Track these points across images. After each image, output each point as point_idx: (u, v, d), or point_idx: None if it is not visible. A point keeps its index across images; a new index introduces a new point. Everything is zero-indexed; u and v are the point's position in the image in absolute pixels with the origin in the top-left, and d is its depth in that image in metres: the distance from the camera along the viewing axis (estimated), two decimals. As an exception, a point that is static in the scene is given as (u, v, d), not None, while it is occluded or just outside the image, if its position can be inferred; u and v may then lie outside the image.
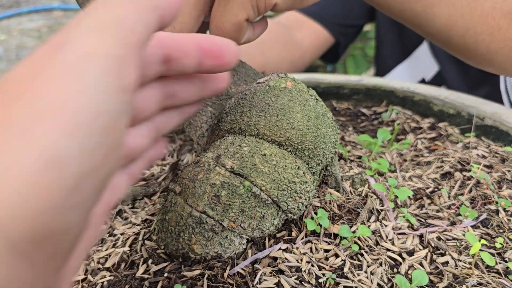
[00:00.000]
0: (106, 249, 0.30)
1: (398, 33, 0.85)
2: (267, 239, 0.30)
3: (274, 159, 0.28)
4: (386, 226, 0.32)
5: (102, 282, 0.28)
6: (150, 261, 0.29)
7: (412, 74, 0.85)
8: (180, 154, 0.40)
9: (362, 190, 0.36)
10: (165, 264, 0.28)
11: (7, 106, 0.14)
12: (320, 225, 0.31)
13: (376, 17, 0.88)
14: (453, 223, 0.34)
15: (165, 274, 0.27)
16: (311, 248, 0.30)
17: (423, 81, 0.85)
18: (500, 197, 0.36)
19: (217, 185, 0.27)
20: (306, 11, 0.85)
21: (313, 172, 0.32)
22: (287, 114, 0.30)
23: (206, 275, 0.27)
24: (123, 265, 0.29)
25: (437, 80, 0.82)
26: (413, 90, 0.56)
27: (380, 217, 0.33)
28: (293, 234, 0.31)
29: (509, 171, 0.40)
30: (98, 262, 0.29)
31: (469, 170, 0.40)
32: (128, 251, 0.30)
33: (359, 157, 0.43)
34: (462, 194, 0.37)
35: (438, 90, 0.55)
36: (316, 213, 0.32)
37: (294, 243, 0.30)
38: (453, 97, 0.53)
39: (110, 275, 0.28)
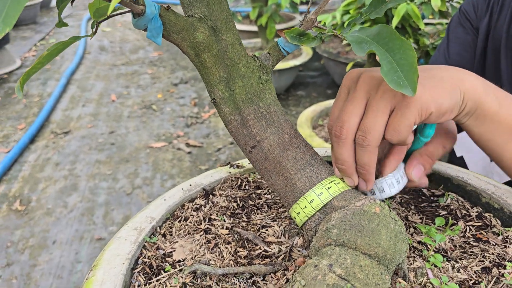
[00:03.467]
0: (246, 311, 0.46)
1: None
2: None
3: (367, 269, 0.43)
4: (437, 315, 0.46)
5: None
6: (277, 325, 0.44)
7: None
8: (290, 236, 0.56)
9: (422, 280, 0.50)
10: (289, 330, 0.44)
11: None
12: (391, 309, 0.46)
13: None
14: (486, 316, 0.47)
15: (289, 337, 0.43)
16: (383, 327, 0.44)
17: None
18: (526, 298, 0.49)
19: (330, 285, 0.42)
20: None
21: (390, 272, 0.46)
22: (376, 236, 0.45)
23: None
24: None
25: None
26: (466, 181, 0.68)
27: (433, 307, 0.47)
28: (371, 315, 0.45)
29: (538, 272, 0.52)
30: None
31: (505, 267, 0.53)
32: (261, 315, 0.46)
33: (419, 242, 0.57)
34: (496, 291, 0.50)
35: (487, 183, 0.67)
36: (388, 300, 0.47)
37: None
38: (499, 193, 0.65)
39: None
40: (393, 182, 0.55)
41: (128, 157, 2.57)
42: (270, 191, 0.69)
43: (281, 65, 2.98)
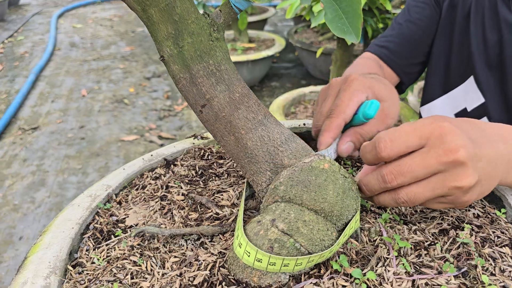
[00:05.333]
0: (194, 271, 0.45)
1: (444, 68, 0.96)
2: (303, 275, 0.43)
3: (311, 224, 0.42)
4: (389, 271, 0.45)
5: (194, 296, 0.42)
6: (224, 283, 0.43)
7: (454, 104, 0.94)
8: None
9: (376, 240, 0.49)
10: (234, 286, 0.42)
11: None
12: (341, 266, 0.45)
13: (432, 47, 0.98)
14: (440, 272, 0.46)
15: (236, 295, 0.41)
16: (333, 283, 0.43)
17: (464, 111, 0.92)
18: (480, 255, 0.48)
19: (272, 240, 0.41)
20: (381, 55, 0.98)
21: (339, 230, 0.45)
22: (322, 191, 0.43)
23: (264, 298, 0.40)
24: (205, 284, 0.43)
25: (479, 111, 0.90)
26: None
27: (385, 264, 0.46)
28: (321, 271, 0.44)
29: (494, 232, 0.52)
30: (189, 280, 0.44)
31: (463, 229, 0.52)
32: (208, 274, 0.44)
33: (379, 207, 0.56)
34: (451, 249, 0.49)
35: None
36: (339, 257, 0.46)
37: (322, 279, 0.43)
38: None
39: (198, 291, 0.42)
40: (330, 154, 0.57)
41: (98, 151, 2.52)
42: (232, 161, 0.67)
43: (254, 56, 2.97)
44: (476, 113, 0.90)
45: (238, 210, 0.53)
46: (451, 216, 0.55)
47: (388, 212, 0.54)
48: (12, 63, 4.02)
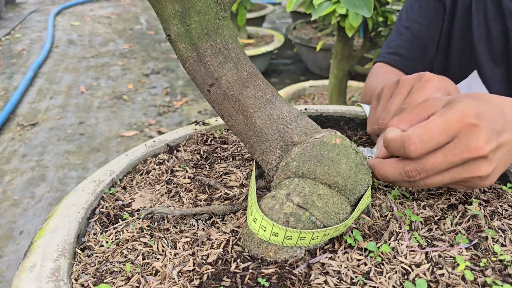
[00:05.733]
0: (207, 250, 0.44)
1: (444, 62, 0.95)
2: (318, 249, 0.43)
3: (326, 197, 0.42)
4: (402, 244, 0.45)
5: (207, 273, 0.42)
6: (238, 260, 0.42)
7: None
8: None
9: (387, 215, 0.49)
10: (249, 263, 0.42)
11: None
12: (355, 241, 0.44)
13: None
14: (451, 245, 0.46)
15: (250, 270, 0.41)
16: (347, 257, 0.43)
17: None
18: (490, 227, 0.48)
19: (288, 214, 0.41)
20: (393, 63, 0.97)
21: (352, 204, 0.45)
22: (335, 165, 0.43)
23: (278, 272, 0.40)
24: (220, 262, 0.43)
25: None
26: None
27: (398, 238, 0.46)
28: (336, 246, 0.44)
29: (501, 205, 0.52)
30: (202, 258, 0.44)
31: (471, 203, 0.52)
32: (222, 252, 0.44)
33: (386, 186, 0.56)
34: (461, 223, 0.49)
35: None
36: (352, 232, 0.45)
37: (336, 253, 0.43)
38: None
39: (212, 268, 0.42)
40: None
41: (98, 146, 2.51)
42: (236, 145, 0.67)
43: (253, 52, 2.96)
44: None
45: (247, 190, 0.52)
46: (459, 192, 0.55)
47: (397, 189, 0.54)
48: (10, 60, 4.00)
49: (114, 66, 3.82)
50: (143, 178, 0.60)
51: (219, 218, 0.48)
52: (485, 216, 0.50)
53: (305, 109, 0.76)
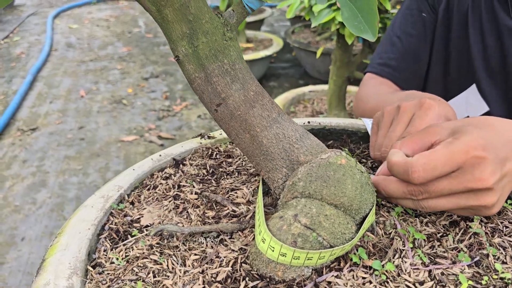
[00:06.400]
0: (216, 267, 0.45)
1: (443, 75, 0.94)
2: (324, 268, 0.44)
3: (332, 218, 0.43)
4: (405, 262, 0.46)
5: (217, 291, 0.43)
6: (247, 279, 0.44)
7: (457, 112, 0.91)
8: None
9: (391, 232, 0.50)
10: (258, 282, 0.43)
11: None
12: (360, 259, 0.46)
13: (431, 55, 0.96)
14: (454, 262, 0.47)
15: (259, 289, 0.42)
16: (353, 275, 0.44)
17: None
18: (491, 244, 0.50)
19: (295, 235, 0.42)
20: (384, 74, 0.97)
21: (357, 223, 0.46)
22: (341, 186, 0.44)
23: (286, 292, 0.41)
24: (229, 280, 0.44)
25: None
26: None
27: (402, 255, 0.47)
28: (341, 264, 0.45)
29: (502, 222, 0.53)
30: (211, 276, 0.45)
31: (472, 220, 0.54)
32: (231, 270, 0.45)
33: (389, 202, 0.57)
34: (463, 240, 0.51)
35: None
36: (357, 250, 0.46)
37: (342, 271, 0.44)
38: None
39: (221, 286, 0.43)
40: None
41: (98, 151, 2.52)
42: (241, 159, 0.68)
43: (252, 56, 2.97)
44: None
45: (254, 207, 0.53)
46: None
47: (400, 206, 0.55)
48: (9, 64, 4.01)
49: (113, 70, 3.82)
50: (150, 193, 0.61)
51: (227, 235, 0.49)
52: (486, 233, 0.51)
53: (308, 122, 0.77)
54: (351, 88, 2.17)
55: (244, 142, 0.52)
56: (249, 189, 0.58)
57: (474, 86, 0.88)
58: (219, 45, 0.51)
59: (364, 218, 0.47)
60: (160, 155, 0.69)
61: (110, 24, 5.42)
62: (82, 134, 2.72)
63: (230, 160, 0.68)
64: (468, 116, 0.89)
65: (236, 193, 0.58)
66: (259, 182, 0.58)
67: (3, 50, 4.43)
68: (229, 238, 0.49)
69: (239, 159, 0.68)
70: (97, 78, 3.64)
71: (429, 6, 0.94)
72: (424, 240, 0.50)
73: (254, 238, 0.47)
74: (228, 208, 0.54)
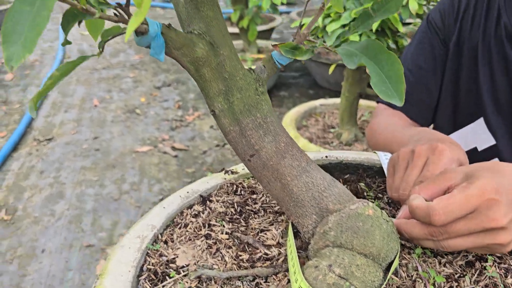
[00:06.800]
0: (252, 311, 0.49)
1: (452, 107, 0.97)
2: (353, 313, 0.48)
3: (363, 267, 0.47)
4: (428, 306, 0.50)
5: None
6: (282, 323, 0.47)
7: (465, 142, 0.94)
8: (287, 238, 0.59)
9: (413, 275, 0.54)
10: (293, 326, 0.47)
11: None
12: (385, 303, 0.49)
13: (441, 86, 0.99)
14: (473, 305, 0.51)
15: (294, 334, 0.46)
16: (380, 320, 0.48)
17: (475, 150, 0.92)
18: (505, 285, 0.53)
19: (330, 284, 0.46)
20: (395, 106, 1.00)
21: (383, 269, 0.50)
22: (370, 236, 0.48)
23: (319, 337, 0.45)
24: (265, 323, 0.48)
25: (490, 152, 0.91)
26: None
27: (424, 299, 0.51)
28: (368, 309, 0.49)
29: (515, 263, 0.57)
30: (248, 320, 0.48)
31: (486, 260, 0.57)
32: (267, 314, 0.49)
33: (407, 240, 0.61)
34: (479, 281, 0.54)
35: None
36: (383, 294, 0.50)
37: (369, 316, 0.48)
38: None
39: (259, 330, 0.47)
40: None
41: (114, 162, 2.57)
42: (264, 195, 0.72)
43: (263, 67, 3.00)
44: (487, 154, 0.91)
45: (285, 249, 0.57)
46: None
47: (419, 247, 0.59)
48: (23, 71, 4.08)
49: (125, 78, 3.88)
50: (182, 231, 0.65)
51: (262, 279, 0.53)
52: (500, 275, 0.55)
53: (326, 156, 0.81)
54: (361, 102, 2.21)
55: (275, 189, 0.56)
56: (277, 230, 0.62)
57: (481, 119, 0.90)
58: (252, 100, 0.55)
59: (390, 264, 0.51)
60: (187, 192, 0.73)
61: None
62: (97, 144, 2.78)
63: (254, 196, 0.72)
64: (476, 147, 0.94)
65: (265, 234, 0.61)
66: (287, 225, 0.62)
67: (17, 58, 4.50)
68: (265, 282, 0.53)
69: (262, 195, 0.72)
70: (110, 87, 3.71)
71: (440, 40, 0.96)
72: (444, 282, 0.54)
73: (288, 282, 0.51)
74: (260, 251, 0.57)
